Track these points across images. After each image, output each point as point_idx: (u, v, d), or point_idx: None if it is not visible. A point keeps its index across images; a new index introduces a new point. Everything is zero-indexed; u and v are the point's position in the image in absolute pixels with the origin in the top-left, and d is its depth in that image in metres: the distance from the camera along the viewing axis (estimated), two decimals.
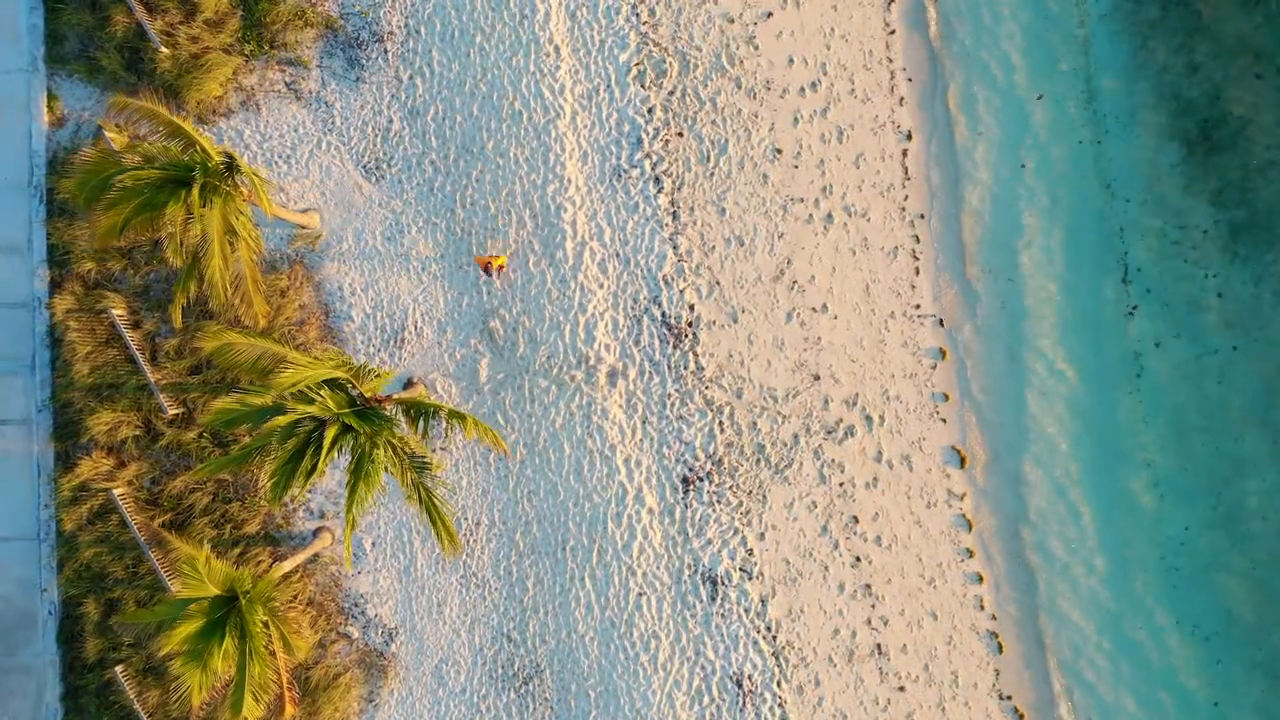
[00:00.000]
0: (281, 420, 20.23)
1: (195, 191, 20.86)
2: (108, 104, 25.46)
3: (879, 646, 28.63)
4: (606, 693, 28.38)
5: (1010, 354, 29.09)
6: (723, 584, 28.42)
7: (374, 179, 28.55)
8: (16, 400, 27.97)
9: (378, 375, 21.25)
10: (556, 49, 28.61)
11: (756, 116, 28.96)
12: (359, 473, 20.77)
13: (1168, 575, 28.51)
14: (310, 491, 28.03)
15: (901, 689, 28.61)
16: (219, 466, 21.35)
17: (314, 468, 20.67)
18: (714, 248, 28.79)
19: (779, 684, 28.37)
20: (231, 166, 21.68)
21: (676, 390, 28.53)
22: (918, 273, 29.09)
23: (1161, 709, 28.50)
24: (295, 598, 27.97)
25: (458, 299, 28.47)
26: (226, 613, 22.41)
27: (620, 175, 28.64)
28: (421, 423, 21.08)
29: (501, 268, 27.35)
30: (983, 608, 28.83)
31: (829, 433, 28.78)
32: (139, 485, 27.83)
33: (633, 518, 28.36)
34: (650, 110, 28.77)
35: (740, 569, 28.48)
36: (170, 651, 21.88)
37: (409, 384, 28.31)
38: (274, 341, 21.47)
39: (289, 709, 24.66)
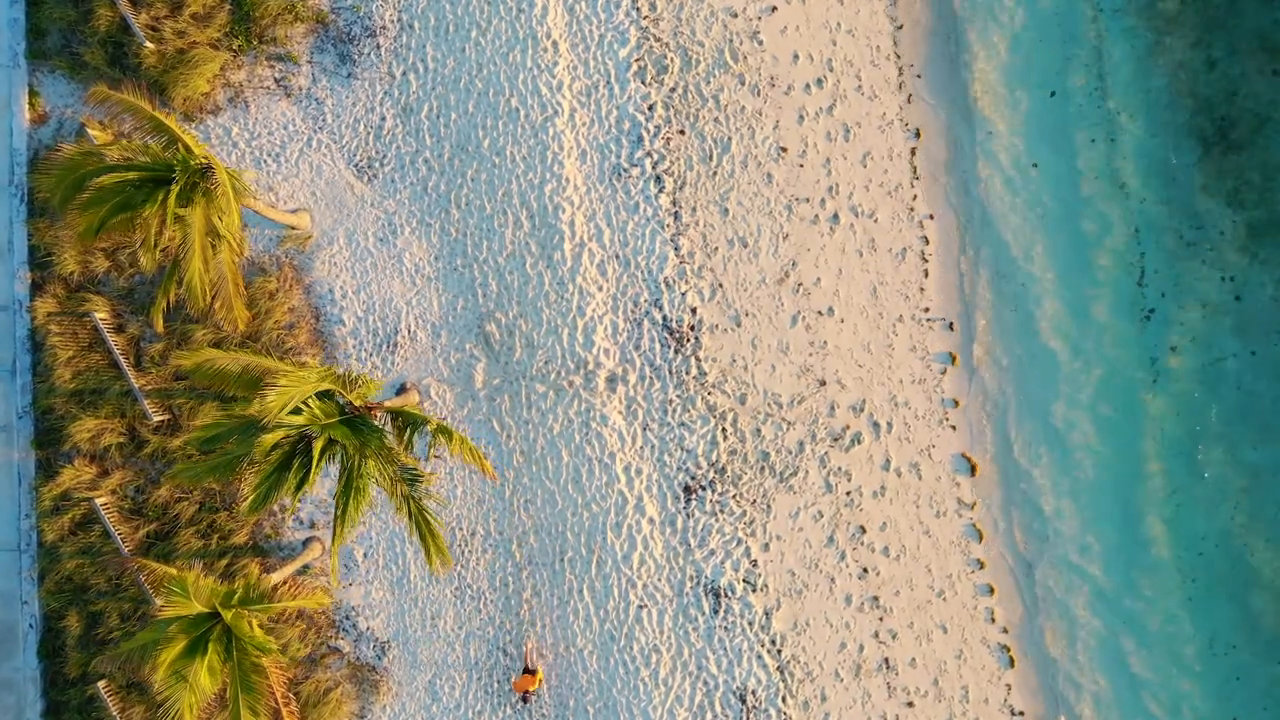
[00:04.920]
0: (269, 438, 19.38)
1: (174, 192, 20.04)
2: (87, 95, 24.66)
3: (887, 661, 27.83)
4: (606, 708, 27.56)
5: (1021, 359, 28.29)
6: (726, 596, 27.61)
7: (366, 178, 27.78)
8: None
9: (367, 384, 20.41)
10: (554, 44, 27.83)
11: (760, 114, 28.17)
12: (349, 488, 19.95)
13: (1185, 587, 27.70)
14: (300, 501, 27.21)
15: (910, 704, 27.80)
16: (199, 475, 20.47)
17: (304, 479, 19.88)
18: (716, 249, 28.00)
19: (784, 699, 27.56)
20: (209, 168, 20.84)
21: (678, 396, 27.74)
22: (926, 275, 28.30)
23: None
24: (285, 610, 27.13)
25: (452, 302, 27.69)
26: (210, 628, 21.54)
27: (620, 174, 27.85)
28: (409, 433, 20.26)
29: (541, 680, 27.19)
30: (994, 620, 28.02)
31: (835, 440, 27.98)
32: (123, 494, 27.03)
33: (633, 527, 27.57)
34: (651, 108, 27.99)
35: (744, 580, 27.68)
36: (162, 678, 21.01)
37: (402, 389, 27.50)
38: (256, 354, 20.65)
39: None
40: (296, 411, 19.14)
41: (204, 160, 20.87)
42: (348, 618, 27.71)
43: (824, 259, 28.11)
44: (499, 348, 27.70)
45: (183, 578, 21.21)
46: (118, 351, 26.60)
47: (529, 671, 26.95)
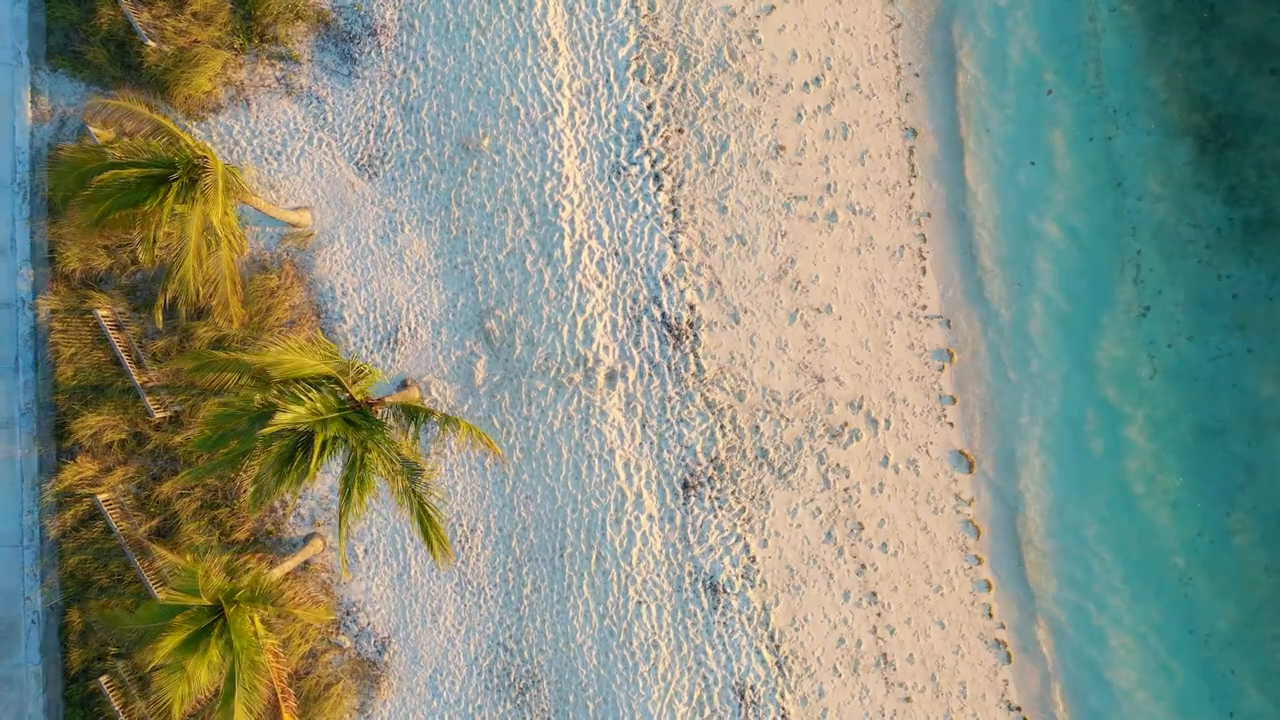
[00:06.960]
0: (271, 427, 19.52)
1: (173, 189, 20.16)
2: (85, 106, 24.82)
3: (885, 656, 27.94)
4: (605, 703, 27.68)
5: (1019, 356, 28.41)
6: (724, 591, 27.73)
7: (367, 176, 27.90)
8: None
9: (368, 374, 20.54)
10: (554, 43, 27.97)
11: (758, 113, 28.30)
12: (353, 479, 20.10)
13: (1180, 583, 27.81)
14: (301, 497, 27.35)
15: (908, 700, 27.91)
16: (205, 472, 20.63)
17: (304, 472, 19.99)
18: (715, 247, 28.13)
19: (782, 694, 27.67)
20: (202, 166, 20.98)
21: (677, 392, 27.86)
22: (924, 272, 28.43)
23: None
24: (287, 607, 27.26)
25: (453, 299, 27.82)
26: (212, 622, 21.66)
27: (619, 173, 27.98)
28: (413, 427, 20.38)
29: None
30: (991, 616, 28.14)
31: (833, 436, 28.10)
32: (125, 490, 27.12)
33: (632, 523, 27.68)
34: (650, 106, 28.13)
35: (742, 576, 27.79)
36: (158, 663, 21.13)
37: (403, 386, 27.63)
38: (258, 354, 20.79)
39: (287, 718, 23.96)
40: (299, 402, 19.27)
41: (202, 154, 21.00)
42: (348, 613, 27.82)
43: (822, 256, 28.24)
44: (499, 344, 27.83)
45: (193, 569, 21.28)
46: (120, 348, 26.71)
47: None
